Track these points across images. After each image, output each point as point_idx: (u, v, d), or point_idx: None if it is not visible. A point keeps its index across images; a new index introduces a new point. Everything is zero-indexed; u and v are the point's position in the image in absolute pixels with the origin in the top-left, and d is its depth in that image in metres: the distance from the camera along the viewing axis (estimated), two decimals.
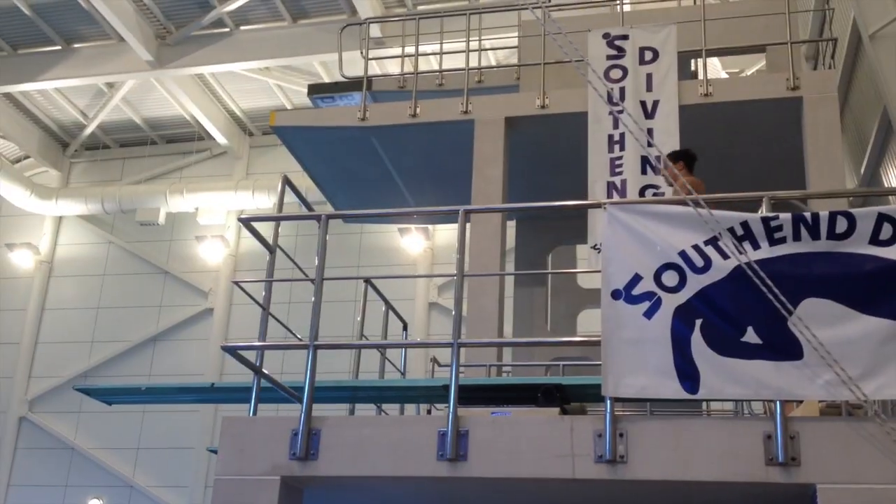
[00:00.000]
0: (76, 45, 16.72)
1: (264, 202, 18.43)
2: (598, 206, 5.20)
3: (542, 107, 8.41)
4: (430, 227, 17.61)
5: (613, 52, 8.15)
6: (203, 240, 18.78)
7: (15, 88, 17.44)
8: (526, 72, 9.12)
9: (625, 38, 8.21)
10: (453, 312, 4.85)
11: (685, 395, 4.37)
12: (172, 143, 20.11)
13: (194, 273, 19.32)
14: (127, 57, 16.25)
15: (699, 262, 4.44)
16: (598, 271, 4.62)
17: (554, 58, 8.24)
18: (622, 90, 7.97)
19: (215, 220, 18.89)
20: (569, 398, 5.62)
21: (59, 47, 16.74)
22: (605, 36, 8.25)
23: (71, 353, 19.16)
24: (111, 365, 19.00)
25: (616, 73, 8.08)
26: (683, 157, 6.97)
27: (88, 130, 19.50)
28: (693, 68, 9.47)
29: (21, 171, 19.49)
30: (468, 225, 6.66)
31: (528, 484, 4.62)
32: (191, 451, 18.14)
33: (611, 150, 7.90)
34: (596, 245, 7.56)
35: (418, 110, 8.82)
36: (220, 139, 18.92)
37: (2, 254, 19.98)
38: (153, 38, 15.97)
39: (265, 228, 5.80)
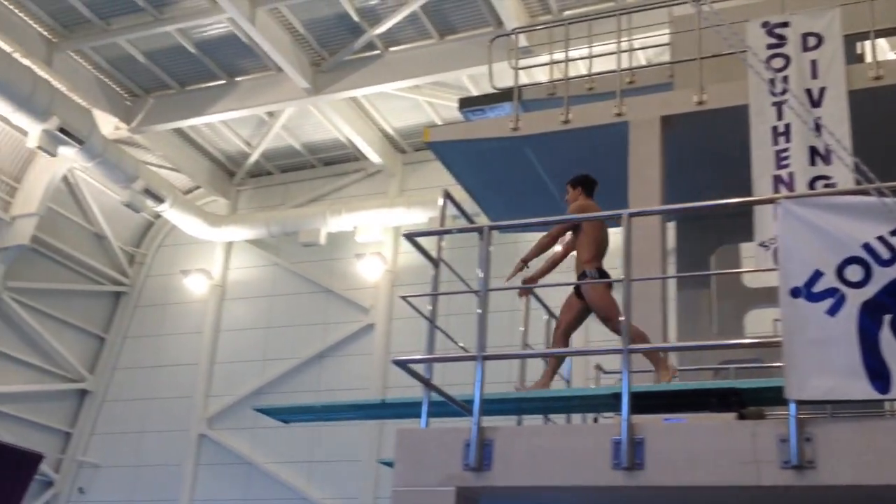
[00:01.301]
0: (238, 79, 17.52)
1: (419, 217, 18.74)
2: (770, 201, 4.99)
3: (700, 103, 8.18)
4: None
5: (773, 41, 7.84)
6: (362, 257, 19.27)
7: (184, 123, 18.41)
8: (680, 68, 8.90)
9: (785, 25, 7.88)
10: (621, 318, 4.75)
11: (876, 396, 4.13)
12: (330, 165, 20.75)
13: (355, 290, 19.84)
14: (285, 86, 16.91)
15: (885, 255, 4.18)
16: (767, 270, 4.43)
17: (709, 52, 8.01)
18: (785, 79, 7.65)
19: (373, 237, 19.34)
20: (745, 402, 5.41)
21: (222, 81, 17.59)
22: (765, 25, 7.94)
23: (245, 372, 20.01)
24: (282, 381, 19.72)
25: (778, 63, 7.76)
26: (581, 183, 7.34)
27: (252, 159, 20.38)
28: (859, 51, 8.99)
29: (193, 201, 20.57)
30: None
31: (708, 492, 4.47)
32: (359, 464, 18.59)
33: (775, 142, 7.58)
34: (764, 242, 7.28)
35: (570, 116, 8.76)
36: (375, 158, 19.38)
37: (178, 280, 21.11)
38: (309, 66, 16.54)
39: (425, 242, 5.87)
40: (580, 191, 7.31)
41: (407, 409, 6.06)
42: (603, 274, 6.88)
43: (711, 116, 8.18)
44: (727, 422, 4.69)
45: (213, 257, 21.19)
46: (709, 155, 8.83)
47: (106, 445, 20.73)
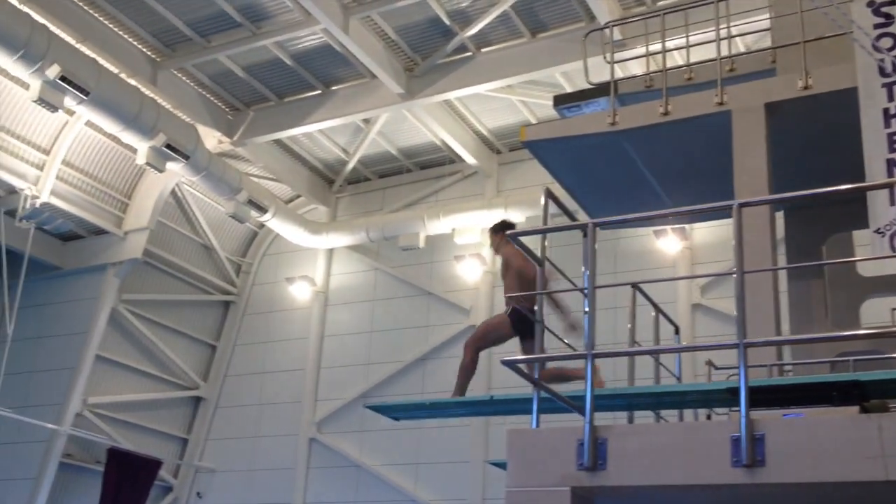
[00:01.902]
0: (334, 88, 17.82)
1: (516, 217, 18.66)
2: (885, 186, 4.81)
3: (805, 87, 7.92)
4: (686, 227, 17.11)
5: (881, 21, 7.54)
6: (461, 259, 19.34)
7: (284, 134, 18.82)
8: (782, 53, 8.63)
9: (892, 3, 7.58)
10: (735, 312, 4.64)
11: None
12: (426, 168, 20.91)
13: (455, 292, 19.94)
14: (380, 92, 17.11)
15: None
16: (884, 257, 4.26)
17: (812, 35, 7.76)
18: (894, 61, 7.35)
19: (471, 239, 19.39)
20: (867, 395, 5.22)
21: (318, 91, 17.92)
22: (870, 4, 7.64)
23: (351, 376, 20.33)
24: (387, 385, 19.95)
25: (886, 42, 7.46)
26: (502, 229, 7.82)
27: (350, 166, 20.69)
28: None
29: (294, 210, 21.02)
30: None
31: (832, 488, 4.33)
32: (467, 465, 18.65)
33: (887, 125, 7.29)
34: (879, 229, 7.01)
35: (670, 108, 8.59)
36: (470, 160, 19.43)
37: (283, 287, 21.59)
38: (402, 72, 16.70)
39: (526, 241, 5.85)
40: (502, 236, 7.78)
41: (515, 406, 6.06)
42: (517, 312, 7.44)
43: (818, 101, 7.91)
44: (851, 416, 4.54)
45: (316, 264, 21.59)
46: (816, 141, 8.56)
47: (221, 450, 21.35)
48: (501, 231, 7.75)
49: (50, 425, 18.51)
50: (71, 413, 19.03)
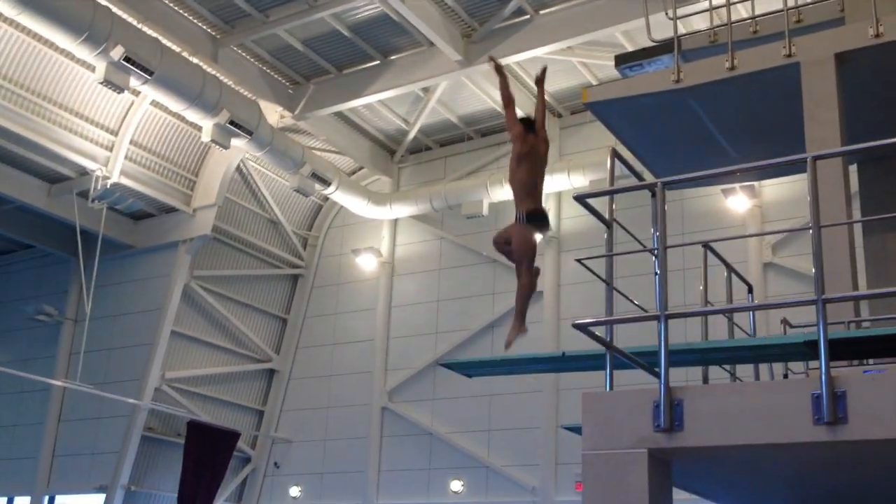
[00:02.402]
0: (392, 57, 17.80)
1: (579, 181, 18.54)
2: None
3: (876, 36, 7.66)
4: (755, 184, 16.78)
5: None
6: None
7: (344, 106, 18.88)
8: (851, 2, 8.38)
9: None
10: (813, 269, 4.54)
11: None
12: (487, 136, 20.83)
13: None
14: (438, 60, 17.04)
15: None
16: None
17: None
18: None
19: None
20: None
21: (377, 62, 17.92)
22: None
23: (419, 345, 20.48)
24: (456, 353, 20.03)
25: None
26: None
27: (411, 136, 20.70)
28: None
29: (357, 182, 21.15)
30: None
31: None
32: (537, 431, 18.70)
33: None
34: None
35: (736, 62, 8.38)
36: None
37: (350, 259, 21.79)
38: (460, 38, 16.59)
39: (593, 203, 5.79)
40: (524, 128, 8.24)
41: (586, 363, 6.03)
42: (533, 217, 7.40)
43: (889, 49, 7.65)
44: None
45: (381, 235, 21.72)
46: (889, 91, 8.29)
47: (296, 421, 21.75)
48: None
49: (131, 400, 19.04)
50: (150, 388, 19.55)
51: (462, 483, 19.35)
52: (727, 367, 7.06)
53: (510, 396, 19.16)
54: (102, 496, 19.47)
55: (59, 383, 19.24)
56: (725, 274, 7.45)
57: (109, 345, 20.64)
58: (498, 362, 6.79)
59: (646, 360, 5.27)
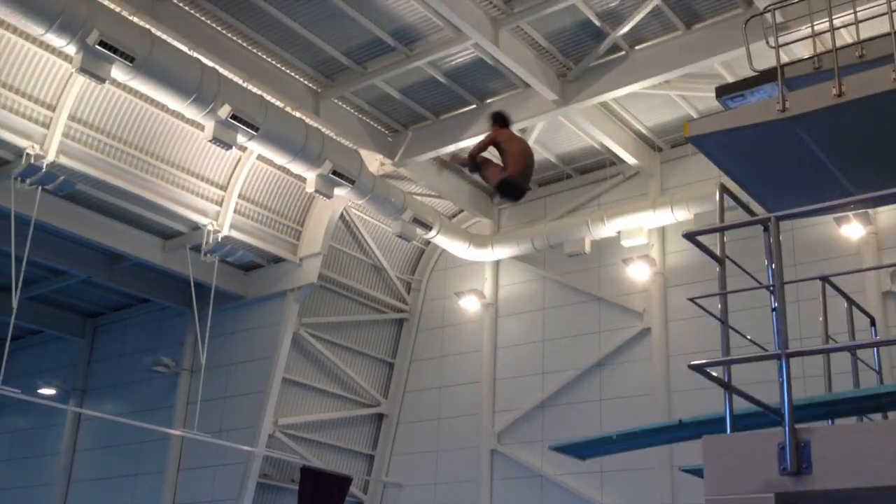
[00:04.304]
0: (488, 101, 17.95)
1: (682, 215, 18.25)
2: None
3: None
4: (870, 211, 16.22)
5: None
6: (629, 262, 19.02)
7: (442, 151, 19.05)
8: None
9: None
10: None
11: None
12: (586, 173, 20.74)
13: (626, 295, 19.63)
14: (534, 101, 17.11)
15: None
16: None
17: None
18: None
19: (638, 241, 19.04)
20: None
21: (473, 106, 18.10)
22: None
23: (527, 386, 20.34)
24: (563, 393, 19.84)
25: None
26: (496, 120, 10.52)
27: None
28: None
29: (458, 225, 21.29)
30: None
31: None
32: (652, 471, 18.27)
33: None
34: None
35: (843, 88, 8.17)
36: (631, 160, 19.12)
37: (453, 302, 21.88)
38: (555, 78, 16.63)
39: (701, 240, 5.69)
40: (498, 126, 9.64)
41: (705, 428, 5.88)
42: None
43: None
44: None
45: (483, 277, 21.76)
46: None
47: (406, 465, 21.82)
48: (496, 121, 9.82)
49: (246, 447, 19.44)
50: (264, 435, 19.94)
51: None
52: None
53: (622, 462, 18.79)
54: None
55: (177, 432, 19.79)
56: (845, 306, 7.19)
57: (224, 393, 21.17)
58: (612, 440, 6.64)
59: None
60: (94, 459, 23.82)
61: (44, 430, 25.11)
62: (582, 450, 6.93)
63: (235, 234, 19.28)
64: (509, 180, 9.21)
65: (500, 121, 10.09)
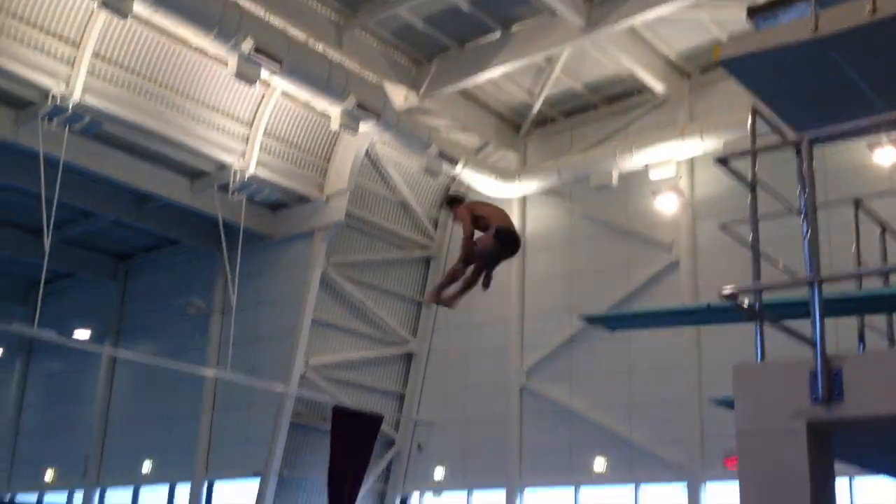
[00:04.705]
0: (513, 28, 17.53)
1: (712, 144, 17.86)
2: None
3: None
4: None
5: None
6: (658, 193, 18.73)
7: (467, 83, 18.73)
8: None
9: None
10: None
11: None
12: (613, 102, 20.30)
13: (654, 228, 19.37)
14: (560, 27, 16.66)
15: None
16: None
17: None
18: None
19: (666, 172, 18.71)
20: None
21: (498, 34, 17.70)
22: None
23: (554, 322, 20.23)
24: (592, 329, 19.64)
25: None
26: (453, 202, 9.00)
27: (536, 108, 20.39)
28: None
29: (484, 159, 21.04)
30: None
31: None
32: (681, 405, 18.21)
33: None
34: None
35: (878, 4, 7.80)
36: (659, 88, 18.68)
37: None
38: (582, 3, 16.17)
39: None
40: (459, 205, 8.74)
41: (732, 315, 5.73)
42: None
43: None
44: None
45: (510, 212, 21.48)
46: None
47: (436, 403, 21.93)
48: (454, 203, 8.87)
49: (278, 388, 19.61)
50: (296, 375, 20.09)
51: (605, 461, 19.07)
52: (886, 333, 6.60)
53: (651, 371, 18.74)
54: (258, 481, 20.16)
55: (210, 373, 19.99)
56: (878, 233, 6.96)
57: (255, 334, 21.32)
58: (641, 316, 6.54)
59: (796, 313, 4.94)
60: (130, 401, 24.20)
61: (80, 373, 25.50)
62: (612, 322, 6.90)
63: (261, 173, 19.20)
64: (501, 229, 8.69)
65: (459, 201, 9.31)
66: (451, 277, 8.91)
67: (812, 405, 4.21)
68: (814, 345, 4.34)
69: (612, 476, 19.00)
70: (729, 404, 4.87)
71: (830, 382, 4.17)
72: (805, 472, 4.18)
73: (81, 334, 23.59)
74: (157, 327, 23.83)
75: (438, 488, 21.38)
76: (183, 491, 22.73)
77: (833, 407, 4.19)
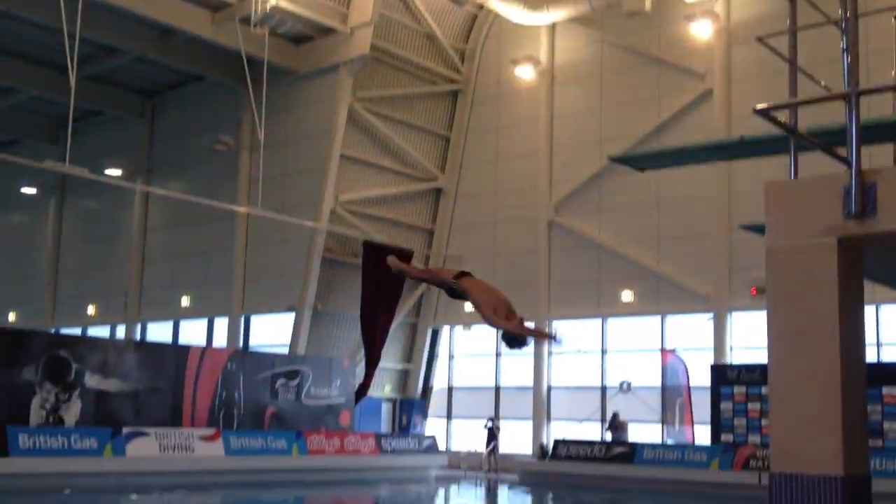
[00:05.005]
0: None
1: None
2: None
3: None
4: None
5: None
6: (692, 19, 18.12)
7: None
8: None
9: None
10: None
11: None
12: None
13: (687, 56, 18.85)
14: None
15: None
16: None
17: None
18: None
19: None
20: None
21: None
22: None
23: (584, 155, 20.07)
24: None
25: None
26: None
27: None
28: None
29: None
30: None
31: None
32: (709, 237, 18.25)
33: None
34: None
35: None
36: None
37: (509, 71, 21.30)
38: None
39: None
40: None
41: (767, 147, 5.64)
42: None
43: None
44: None
45: (539, 42, 21.02)
46: None
47: (465, 238, 22.12)
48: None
49: (309, 223, 19.80)
50: (326, 211, 20.24)
51: (632, 293, 19.32)
52: None
53: (679, 204, 18.68)
54: (293, 315, 20.69)
55: (242, 209, 20.17)
56: None
57: (284, 171, 21.39)
58: (670, 153, 6.42)
59: (831, 141, 4.84)
60: (165, 238, 24.64)
61: (114, 210, 25.90)
62: (640, 161, 6.76)
63: (283, 3, 18.72)
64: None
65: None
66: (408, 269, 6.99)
67: (844, 221, 4.15)
68: (848, 161, 4.25)
69: (640, 308, 19.29)
70: (758, 229, 4.84)
71: (864, 197, 4.10)
72: (834, 288, 4.17)
73: (113, 172, 23.80)
74: (187, 165, 23.97)
75: (468, 322, 21.86)
76: (221, 324, 23.45)
77: (865, 222, 4.13)
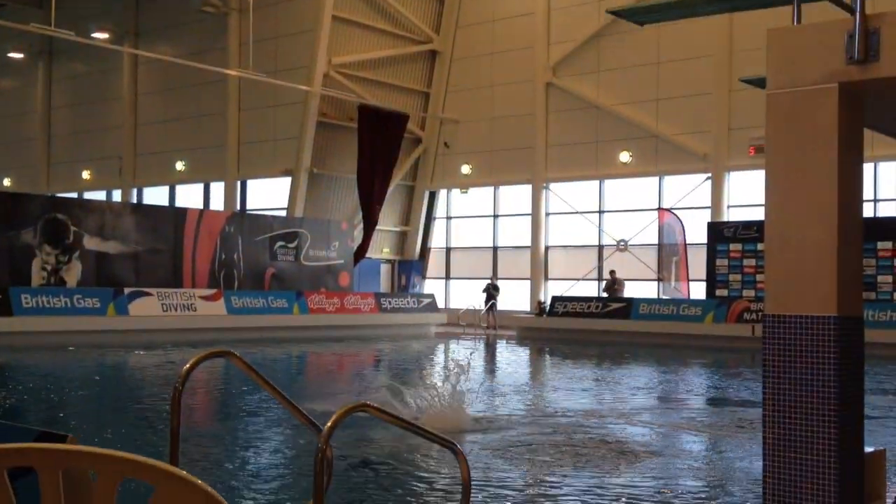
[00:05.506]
0: None
1: None
2: None
3: None
4: None
5: None
6: None
7: None
8: None
9: None
10: None
11: None
12: None
13: None
14: None
15: None
16: None
17: None
18: None
19: None
20: None
21: None
22: None
23: (582, 15, 19.63)
24: (621, 22, 19.12)
25: None
26: None
27: None
28: None
29: None
30: None
31: None
32: (709, 97, 18.09)
33: None
34: None
35: None
36: None
37: None
38: None
39: None
40: None
41: None
42: None
43: None
44: None
45: None
46: None
47: (461, 101, 21.90)
48: None
49: (302, 87, 19.56)
50: (319, 74, 19.95)
51: (630, 154, 19.29)
52: None
53: (679, 62, 18.43)
54: (289, 179, 20.70)
55: (234, 73, 19.89)
56: None
57: (275, 33, 20.97)
58: (671, 5, 6.24)
59: None
60: (157, 102, 24.38)
61: (103, 74, 25.52)
62: (640, 15, 6.57)
63: None
64: None
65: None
66: None
67: (846, 66, 4.12)
68: (852, 6, 4.18)
69: (637, 169, 19.31)
70: (758, 83, 4.80)
71: (867, 41, 4.06)
72: (834, 134, 4.18)
73: (100, 35, 23.32)
74: (176, 27, 23.49)
75: (465, 185, 21.90)
76: (217, 189, 23.49)
77: (867, 67, 4.10)
